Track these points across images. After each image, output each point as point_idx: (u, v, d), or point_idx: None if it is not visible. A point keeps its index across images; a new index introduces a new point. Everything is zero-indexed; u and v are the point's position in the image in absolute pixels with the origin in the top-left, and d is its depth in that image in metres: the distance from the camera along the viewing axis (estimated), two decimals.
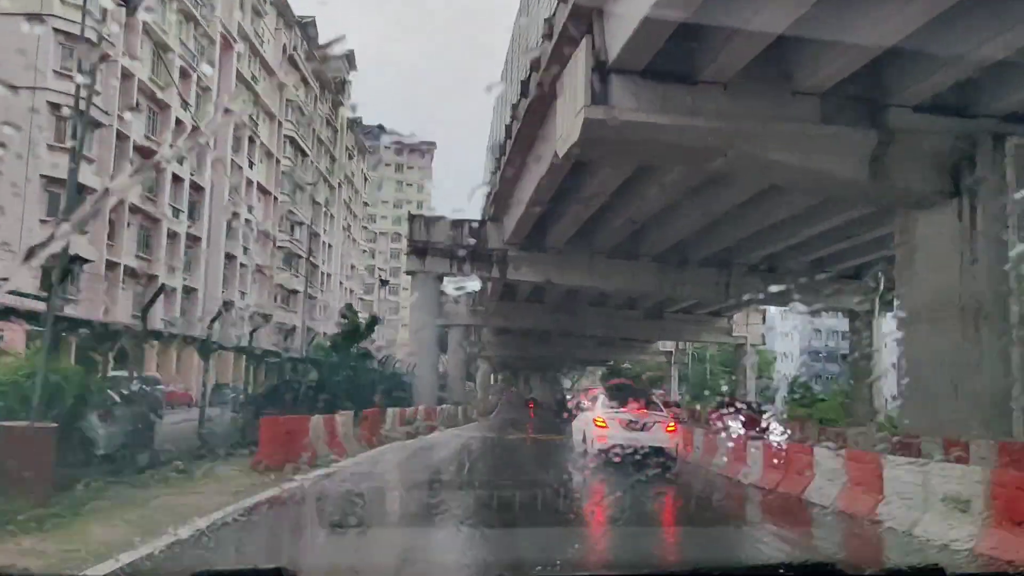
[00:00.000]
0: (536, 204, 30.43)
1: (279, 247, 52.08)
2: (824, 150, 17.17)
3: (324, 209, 62.41)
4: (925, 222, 17.74)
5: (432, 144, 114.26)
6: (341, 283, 69.26)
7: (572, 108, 17.74)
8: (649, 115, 16.84)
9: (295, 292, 56.09)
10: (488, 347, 78.61)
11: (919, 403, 18.30)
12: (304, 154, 56.04)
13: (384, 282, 76.12)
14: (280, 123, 50.99)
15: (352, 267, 75.39)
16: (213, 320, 18.12)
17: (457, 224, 36.16)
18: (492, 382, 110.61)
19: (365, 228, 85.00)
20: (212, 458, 12.36)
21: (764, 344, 58.58)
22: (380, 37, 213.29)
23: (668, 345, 77.10)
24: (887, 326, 39.45)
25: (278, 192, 50.72)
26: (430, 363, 35.91)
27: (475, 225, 36.44)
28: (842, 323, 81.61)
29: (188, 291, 39.03)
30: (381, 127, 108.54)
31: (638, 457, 14.29)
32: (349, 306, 32.76)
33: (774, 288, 36.38)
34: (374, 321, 30.63)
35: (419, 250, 35.68)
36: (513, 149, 29.26)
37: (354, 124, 72.27)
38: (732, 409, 34.60)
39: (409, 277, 46.87)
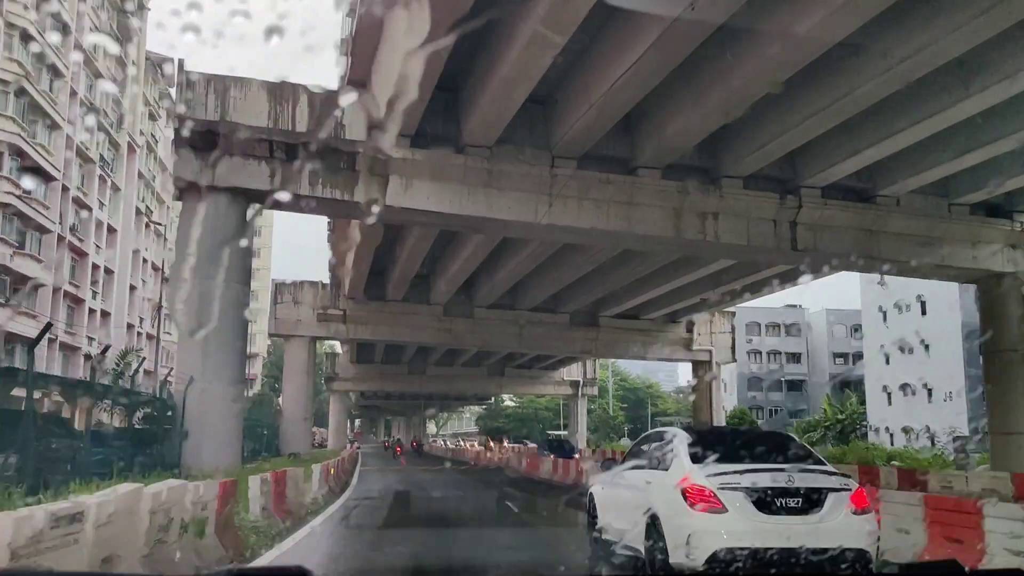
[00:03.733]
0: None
1: None
2: None
3: (100, 172, 42.23)
4: None
5: None
6: (133, 287, 48.72)
7: None
8: None
9: (39, 286, 35.74)
10: (344, 379, 59.93)
11: None
12: (56, 73, 36.14)
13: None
14: None
15: (155, 269, 54.66)
16: None
17: (284, 94, 18.05)
18: (349, 428, 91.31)
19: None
20: None
21: (734, 360, 42.90)
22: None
23: (573, 374, 61.60)
24: None
25: None
26: (227, 376, 17.38)
27: (321, 97, 18.41)
28: (790, 342, 68.36)
29: None
30: None
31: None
32: None
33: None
34: None
35: (200, 140, 17.29)
36: None
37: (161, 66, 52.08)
38: None
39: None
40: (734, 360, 43.04)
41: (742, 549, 7.11)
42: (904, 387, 43.76)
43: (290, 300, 36.91)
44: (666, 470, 8.07)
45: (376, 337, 39.86)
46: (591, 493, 10.11)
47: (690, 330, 40.00)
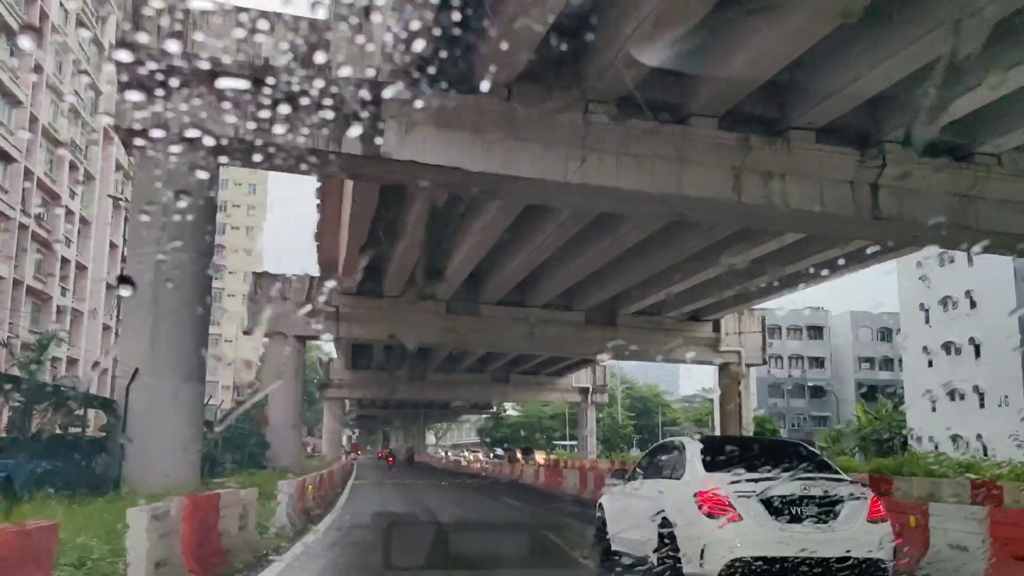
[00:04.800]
0: None
1: None
2: None
3: (71, 157, 38.83)
4: None
5: None
6: (109, 286, 45.18)
7: None
8: None
9: None
10: (339, 386, 56.54)
11: None
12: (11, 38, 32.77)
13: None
14: None
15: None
16: None
17: (257, 21, 14.59)
18: (346, 439, 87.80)
19: None
20: None
21: (765, 362, 39.40)
22: None
23: (582, 380, 58.50)
24: None
25: None
26: (182, 370, 13.94)
27: (304, 27, 14.91)
28: (812, 346, 64.92)
29: None
30: None
31: None
32: None
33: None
34: None
35: (150, 75, 13.82)
36: None
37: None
38: None
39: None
40: (764, 362, 39.56)
41: (758, 558, 7.14)
42: (951, 392, 40.27)
43: (276, 295, 33.46)
44: (679, 479, 8.15)
45: (372, 336, 36.42)
46: (600, 504, 10.08)
47: (717, 329, 36.56)
